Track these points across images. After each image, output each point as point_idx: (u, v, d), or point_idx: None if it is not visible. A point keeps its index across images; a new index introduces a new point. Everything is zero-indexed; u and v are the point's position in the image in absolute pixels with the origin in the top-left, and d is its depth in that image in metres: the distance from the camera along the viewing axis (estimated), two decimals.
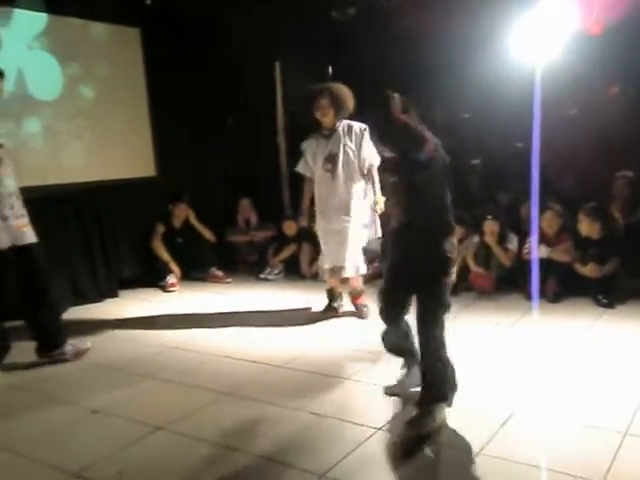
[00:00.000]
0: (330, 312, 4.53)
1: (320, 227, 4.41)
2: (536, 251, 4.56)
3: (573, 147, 5.57)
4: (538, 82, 4.12)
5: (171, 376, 3.44)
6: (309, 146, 4.40)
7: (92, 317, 4.85)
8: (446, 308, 2.63)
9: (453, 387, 2.70)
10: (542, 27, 4.68)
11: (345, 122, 4.29)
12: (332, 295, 4.59)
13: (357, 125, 4.26)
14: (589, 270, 4.55)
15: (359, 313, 4.43)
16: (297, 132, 6.76)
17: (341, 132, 4.27)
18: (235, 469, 2.45)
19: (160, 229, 5.83)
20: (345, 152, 4.24)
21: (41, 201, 4.97)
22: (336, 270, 4.35)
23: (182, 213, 5.93)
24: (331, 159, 4.26)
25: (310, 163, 4.40)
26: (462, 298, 4.76)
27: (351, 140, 4.26)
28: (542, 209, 4.77)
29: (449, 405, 2.67)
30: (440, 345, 2.61)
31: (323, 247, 4.43)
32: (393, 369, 3.08)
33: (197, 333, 4.26)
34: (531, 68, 4.54)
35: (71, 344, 3.83)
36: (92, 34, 5.42)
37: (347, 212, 4.24)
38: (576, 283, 4.62)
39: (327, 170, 4.27)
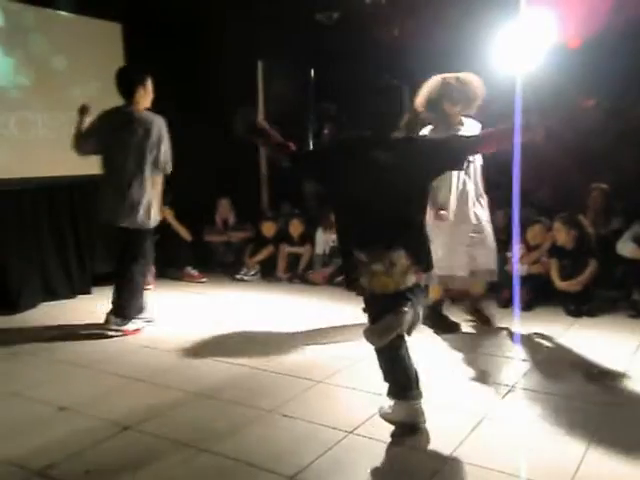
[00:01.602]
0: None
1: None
2: (517, 265, 4.61)
3: (549, 158, 5.66)
4: (519, 93, 4.18)
5: (141, 375, 3.40)
6: None
7: (63, 313, 4.77)
8: None
9: (404, 386, 2.66)
10: (522, 39, 4.75)
11: None
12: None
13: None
14: (567, 285, 4.58)
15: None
16: (277, 132, 6.78)
17: None
18: (203, 470, 2.42)
19: None
20: None
21: (14, 194, 4.91)
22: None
23: None
24: None
25: None
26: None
27: None
28: (530, 222, 4.82)
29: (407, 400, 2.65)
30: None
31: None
32: (369, 373, 3.08)
33: (170, 332, 4.21)
34: (511, 79, 4.60)
35: None
36: (72, 28, 5.36)
37: None
38: (548, 292, 4.67)
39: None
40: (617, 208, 5.18)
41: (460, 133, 3.86)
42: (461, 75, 3.93)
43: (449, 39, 5.27)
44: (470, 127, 4.08)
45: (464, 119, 4.04)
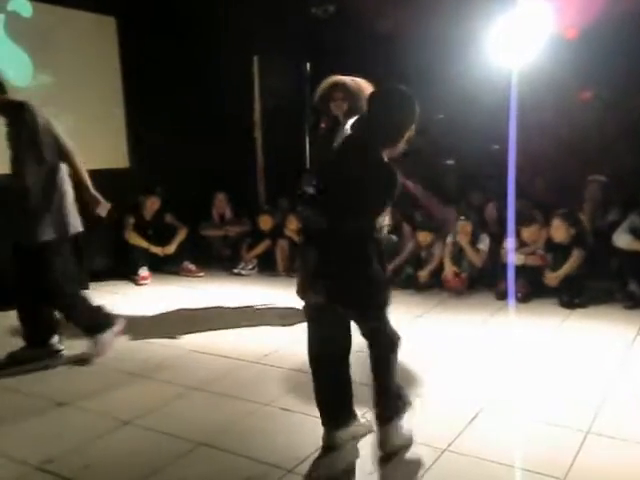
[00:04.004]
0: None
1: None
2: (512, 256, 4.61)
3: (546, 150, 5.66)
4: (514, 85, 4.17)
5: (140, 370, 3.40)
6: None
7: None
8: None
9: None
10: (519, 31, 4.74)
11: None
12: None
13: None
14: (548, 279, 4.60)
15: None
16: (274, 127, 6.77)
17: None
18: (202, 464, 2.43)
19: (130, 220, 5.76)
20: None
21: (9, 190, 4.88)
22: None
23: (153, 205, 5.86)
24: None
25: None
26: (433, 297, 4.80)
27: None
28: (526, 221, 4.81)
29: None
30: None
31: None
32: (366, 366, 3.08)
33: (167, 327, 4.21)
34: (507, 71, 4.60)
35: None
36: (67, 21, 5.33)
37: None
38: (545, 284, 4.68)
39: None
40: (614, 200, 5.19)
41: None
42: (352, 78, 3.98)
43: (445, 31, 5.25)
44: None
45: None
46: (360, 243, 2.33)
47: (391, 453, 2.43)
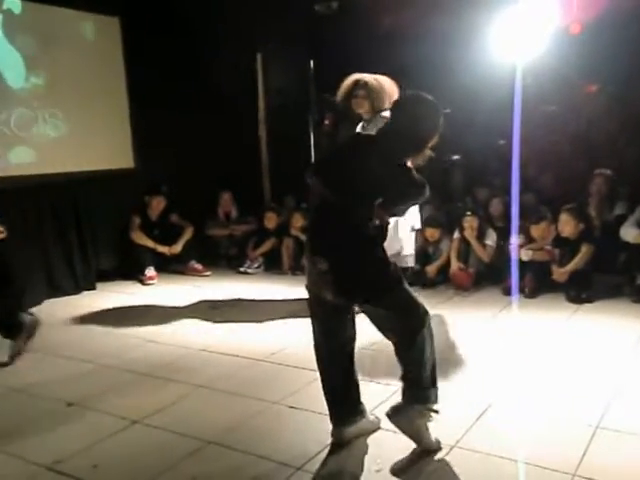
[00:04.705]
0: None
1: None
2: (518, 252, 4.59)
3: (553, 144, 5.64)
4: (519, 80, 4.15)
5: (147, 369, 3.41)
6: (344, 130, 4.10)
7: (68, 309, 4.78)
8: None
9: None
10: (523, 25, 4.71)
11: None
12: None
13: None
14: (557, 275, 4.58)
15: None
16: (278, 124, 6.77)
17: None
18: (211, 462, 2.44)
19: (136, 220, 5.77)
20: None
21: (17, 192, 4.91)
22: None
23: (159, 205, 5.87)
24: None
25: None
26: (441, 293, 4.79)
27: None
28: (536, 218, 4.79)
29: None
30: None
31: None
32: (374, 363, 3.09)
33: (175, 326, 4.23)
34: (512, 66, 4.57)
35: None
36: (70, 22, 5.34)
37: None
38: (552, 279, 4.66)
39: None
40: (621, 193, 5.16)
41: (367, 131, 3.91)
42: (374, 76, 3.97)
43: (449, 27, 5.23)
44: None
45: (380, 116, 3.97)
46: (364, 229, 2.33)
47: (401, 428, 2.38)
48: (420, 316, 2.36)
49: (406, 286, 2.39)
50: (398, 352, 2.42)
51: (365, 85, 3.91)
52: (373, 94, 3.91)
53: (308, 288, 2.48)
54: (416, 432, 2.40)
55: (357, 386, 2.56)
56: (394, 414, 2.40)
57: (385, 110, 4.00)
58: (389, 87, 3.96)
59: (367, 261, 2.34)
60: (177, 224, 5.96)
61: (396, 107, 2.43)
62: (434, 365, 2.43)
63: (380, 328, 2.42)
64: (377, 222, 2.34)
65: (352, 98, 3.94)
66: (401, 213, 2.68)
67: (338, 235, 2.32)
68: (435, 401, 2.42)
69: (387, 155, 2.33)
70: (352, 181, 2.31)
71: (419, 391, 2.40)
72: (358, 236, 2.33)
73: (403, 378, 2.42)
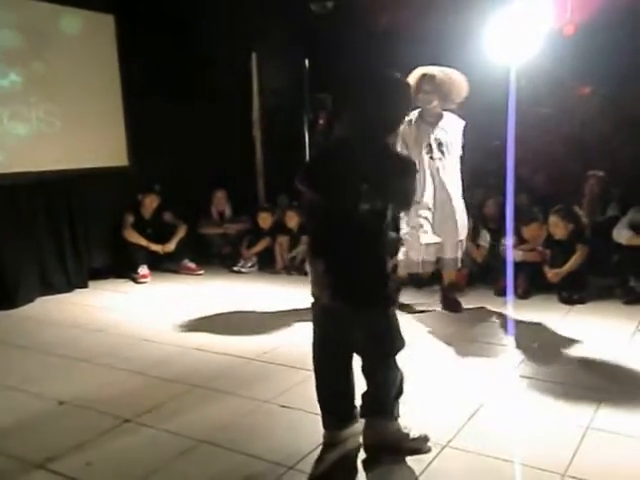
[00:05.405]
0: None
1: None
2: (511, 252, 4.61)
3: (546, 145, 5.66)
4: (513, 81, 4.16)
5: (140, 368, 3.41)
6: (406, 130, 3.95)
7: (60, 307, 4.77)
8: None
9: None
10: (517, 27, 4.72)
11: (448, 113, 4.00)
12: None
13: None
14: (551, 275, 4.60)
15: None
16: (273, 123, 6.77)
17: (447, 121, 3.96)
18: (203, 462, 2.43)
19: (129, 219, 5.75)
20: (450, 142, 3.98)
21: (9, 189, 4.89)
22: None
23: (152, 203, 5.86)
24: (439, 147, 3.95)
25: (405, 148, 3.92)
26: (434, 293, 4.80)
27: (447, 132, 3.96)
28: (527, 219, 4.81)
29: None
30: None
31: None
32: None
33: (167, 325, 4.22)
34: (506, 67, 4.58)
35: None
36: (65, 19, 5.31)
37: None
38: (545, 280, 4.68)
39: (433, 157, 3.94)
40: (613, 195, 5.18)
41: (437, 127, 3.91)
42: (443, 69, 3.87)
43: (444, 27, 5.24)
44: (450, 121, 4.04)
45: (445, 113, 3.99)
46: (371, 233, 2.30)
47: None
48: (398, 344, 2.36)
49: (396, 312, 2.39)
50: (365, 369, 2.43)
51: (432, 79, 3.71)
52: (441, 89, 3.71)
53: (311, 290, 2.47)
54: (386, 440, 2.42)
55: (353, 391, 2.53)
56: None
57: (453, 106, 3.93)
58: (459, 81, 3.76)
59: (367, 266, 2.30)
60: (170, 222, 5.96)
61: (361, 89, 2.27)
62: (399, 392, 2.45)
63: (355, 340, 2.40)
64: (367, 206, 2.23)
65: (419, 93, 3.72)
66: (401, 196, 2.45)
67: (337, 238, 2.29)
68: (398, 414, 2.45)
69: (365, 142, 2.24)
70: (341, 181, 2.25)
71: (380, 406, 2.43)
72: (359, 240, 2.29)
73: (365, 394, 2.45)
